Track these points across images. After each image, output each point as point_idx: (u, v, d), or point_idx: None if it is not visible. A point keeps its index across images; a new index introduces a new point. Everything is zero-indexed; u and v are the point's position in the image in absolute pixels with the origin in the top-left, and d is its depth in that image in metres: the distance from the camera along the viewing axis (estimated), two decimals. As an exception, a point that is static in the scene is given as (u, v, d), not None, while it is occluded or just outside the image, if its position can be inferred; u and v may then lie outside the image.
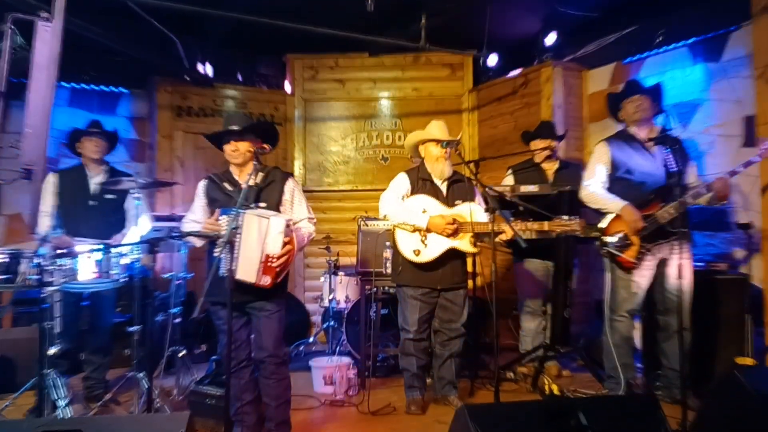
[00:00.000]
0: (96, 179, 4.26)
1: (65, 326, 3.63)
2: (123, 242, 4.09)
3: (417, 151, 4.21)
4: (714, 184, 3.67)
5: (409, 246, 3.95)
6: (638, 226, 3.77)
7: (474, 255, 4.29)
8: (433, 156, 4.06)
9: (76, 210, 4.14)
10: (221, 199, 3.29)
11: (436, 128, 4.08)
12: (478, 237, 3.92)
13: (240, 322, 3.27)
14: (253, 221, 3.03)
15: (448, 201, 4.02)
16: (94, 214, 4.17)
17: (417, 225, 3.89)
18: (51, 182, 4.15)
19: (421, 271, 3.98)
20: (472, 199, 4.04)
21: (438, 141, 4.03)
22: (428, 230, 3.88)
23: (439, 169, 4.05)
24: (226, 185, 3.33)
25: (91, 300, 4.13)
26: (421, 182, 4.07)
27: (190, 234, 3.32)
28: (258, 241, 3.03)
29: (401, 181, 4.09)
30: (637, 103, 3.95)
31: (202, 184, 3.42)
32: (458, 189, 4.09)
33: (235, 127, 3.28)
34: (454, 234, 3.87)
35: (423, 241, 3.91)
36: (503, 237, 3.72)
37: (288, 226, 3.12)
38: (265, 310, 3.23)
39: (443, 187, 4.08)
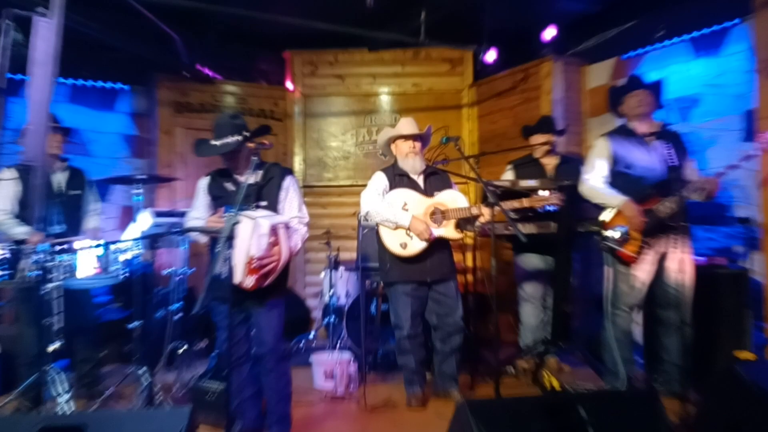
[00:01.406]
0: (59, 175, 4.20)
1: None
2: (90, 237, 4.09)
3: (390, 149, 4.27)
4: (706, 181, 3.68)
5: (395, 240, 3.97)
6: (638, 221, 3.77)
7: (472, 252, 4.31)
8: (403, 152, 4.13)
9: (50, 208, 4.05)
10: (223, 197, 3.28)
11: (404, 124, 4.16)
12: (461, 223, 3.97)
13: (239, 318, 3.27)
14: (245, 222, 3.01)
15: (427, 192, 4.08)
16: (60, 210, 4.11)
17: (399, 224, 3.91)
18: (9, 176, 4.01)
19: (409, 265, 4.01)
20: (449, 188, 4.12)
21: (406, 137, 4.09)
22: (409, 230, 3.91)
23: (411, 164, 4.11)
24: (228, 184, 3.32)
25: (66, 297, 4.02)
26: (398, 178, 4.12)
27: (191, 230, 3.31)
28: (246, 242, 3.01)
29: (379, 179, 4.12)
30: (640, 97, 3.94)
31: (202, 182, 3.41)
32: (435, 180, 4.16)
33: (227, 141, 3.22)
34: (430, 238, 3.91)
35: (408, 234, 3.94)
36: (482, 220, 3.81)
37: (275, 228, 3.09)
38: (265, 306, 3.23)
39: (420, 180, 4.13)
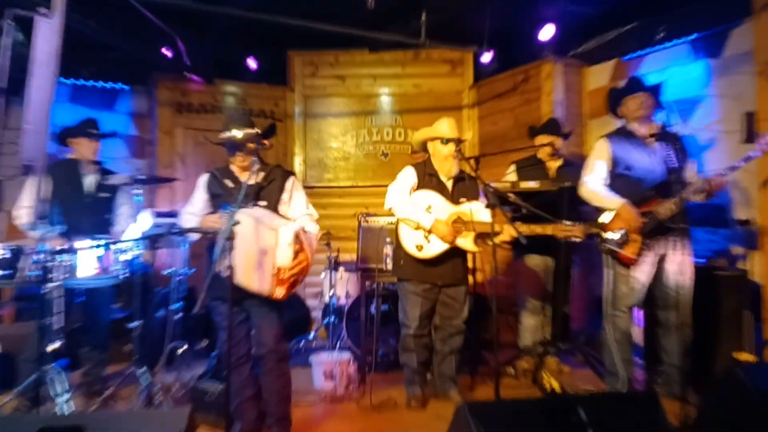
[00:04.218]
0: (90, 177, 4.23)
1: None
2: (121, 238, 4.09)
3: (425, 147, 4.20)
4: (712, 181, 3.67)
5: (411, 241, 3.95)
6: (636, 224, 3.77)
7: (477, 253, 4.28)
8: (442, 154, 4.04)
9: (73, 208, 4.11)
10: (223, 195, 3.29)
11: (447, 126, 4.05)
12: (480, 237, 3.93)
13: (239, 318, 3.27)
14: (250, 223, 2.99)
15: (453, 198, 4.01)
16: (89, 213, 4.15)
17: (421, 224, 3.89)
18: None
19: (422, 266, 3.98)
20: (476, 197, 4.04)
21: (448, 140, 4.01)
22: (430, 232, 3.89)
23: (447, 168, 4.04)
24: (228, 182, 3.32)
25: (86, 296, 4.11)
26: (428, 177, 4.06)
27: (191, 230, 3.31)
28: (256, 246, 2.99)
29: (409, 175, 4.07)
30: (641, 99, 3.93)
31: (203, 179, 3.42)
32: (463, 187, 4.09)
33: (248, 131, 3.25)
34: (453, 240, 3.88)
35: (426, 237, 3.92)
36: (504, 238, 3.71)
37: (298, 235, 3.09)
38: (265, 306, 3.23)
39: (449, 185, 4.07)
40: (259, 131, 3.29)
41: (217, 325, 3.42)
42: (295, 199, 3.38)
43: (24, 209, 4.04)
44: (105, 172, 4.31)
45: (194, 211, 3.38)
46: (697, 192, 3.71)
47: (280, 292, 3.03)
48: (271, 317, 3.25)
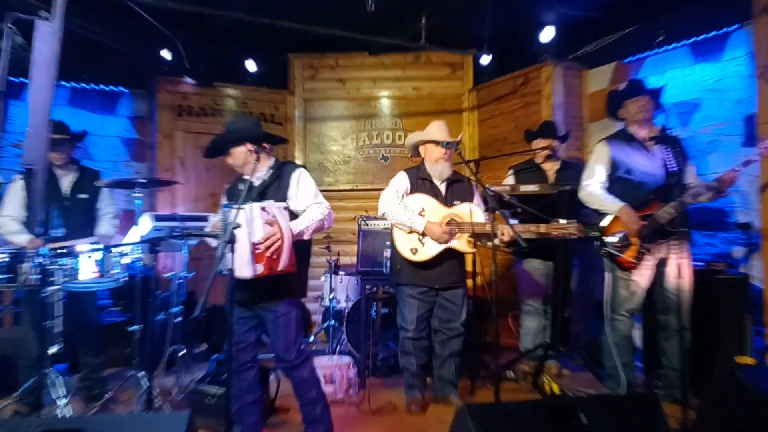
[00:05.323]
0: (66, 179, 4.18)
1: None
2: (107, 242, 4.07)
3: (417, 151, 4.22)
4: (723, 177, 3.66)
5: (406, 245, 3.95)
6: (636, 228, 3.77)
7: (472, 254, 4.28)
8: (434, 156, 4.06)
9: (51, 211, 4.06)
10: (235, 198, 3.28)
11: (437, 129, 4.08)
12: (476, 238, 3.92)
13: (250, 324, 3.26)
14: (240, 216, 2.99)
15: (447, 201, 4.02)
16: (67, 215, 4.06)
17: (414, 228, 3.89)
18: (19, 186, 4.04)
19: (419, 270, 3.99)
20: (470, 199, 4.04)
21: (438, 142, 4.03)
22: (424, 234, 3.89)
23: (439, 170, 4.05)
24: (240, 185, 3.34)
25: (72, 300, 4.00)
26: (421, 181, 4.07)
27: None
28: (245, 235, 3.00)
29: (401, 180, 4.09)
30: (641, 103, 3.93)
31: (225, 188, 3.47)
32: (457, 189, 4.10)
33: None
34: (448, 241, 3.88)
35: (420, 240, 3.92)
36: (502, 238, 3.71)
37: (264, 209, 3.06)
38: (273, 312, 3.20)
39: (442, 187, 4.08)
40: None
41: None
42: (301, 190, 3.31)
43: (4, 218, 4.00)
44: (84, 171, 4.26)
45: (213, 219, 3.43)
46: (696, 195, 3.71)
47: (259, 268, 2.99)
48: (279, 325, 3.20)
